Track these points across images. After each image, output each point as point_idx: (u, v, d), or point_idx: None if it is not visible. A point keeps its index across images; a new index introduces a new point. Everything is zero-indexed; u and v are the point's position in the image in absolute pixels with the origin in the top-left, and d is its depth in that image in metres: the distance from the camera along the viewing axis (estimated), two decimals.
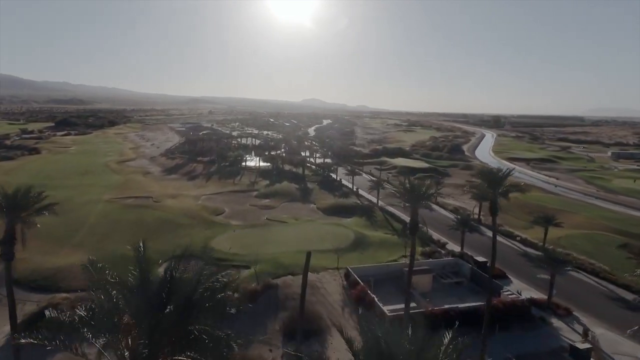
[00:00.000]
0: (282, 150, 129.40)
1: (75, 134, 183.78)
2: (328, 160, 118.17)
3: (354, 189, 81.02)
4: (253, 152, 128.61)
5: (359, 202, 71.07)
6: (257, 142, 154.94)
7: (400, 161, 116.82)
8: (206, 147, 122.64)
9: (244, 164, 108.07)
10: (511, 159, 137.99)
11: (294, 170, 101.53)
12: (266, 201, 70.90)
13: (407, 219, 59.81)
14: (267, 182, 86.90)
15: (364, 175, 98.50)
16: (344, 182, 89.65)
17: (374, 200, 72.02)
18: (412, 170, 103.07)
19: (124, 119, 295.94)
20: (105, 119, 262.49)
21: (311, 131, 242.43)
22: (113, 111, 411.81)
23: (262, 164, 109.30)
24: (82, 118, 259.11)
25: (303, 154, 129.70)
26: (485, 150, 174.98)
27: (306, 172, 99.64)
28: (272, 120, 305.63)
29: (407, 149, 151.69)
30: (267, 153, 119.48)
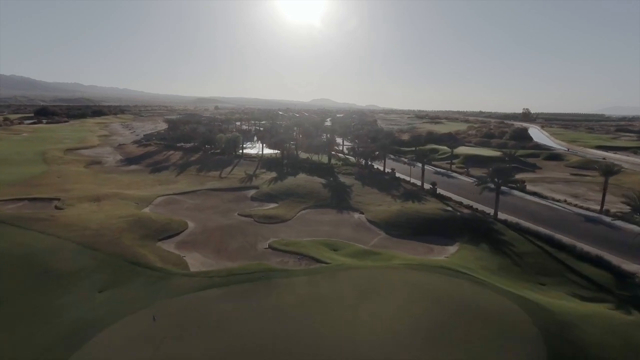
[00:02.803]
0: (296, 134, 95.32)
1: (47, 122, 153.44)
2: (361, 147, 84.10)
3: (428, 187, 47.00)
4: (255, 137, 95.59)
5: (449, 208, 37.22)
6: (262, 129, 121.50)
7: (465, 149, 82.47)
8: (190, 130, 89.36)
9: (240, 151, 75.34)
10: (600, 148, 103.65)
11: (314, 159, 68.31)
12: (270, 207, 37.67)
13: (584, 245, 25.98)
14: (274, 174, 53.82)
15: (419, 165, 65.11)
16: (398, 174, 56.05)
17: (472, 203, 38.44)
18: (484, 160, 70.99)
19: (118, 111, 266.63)
20: (90, 108, 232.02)
21: (327, 122, 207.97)
22: (114, 107, 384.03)
23: (266, 151, 76.56)
24: (71, 109, 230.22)
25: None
26: (543, 139, 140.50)
27: (332, 161, 66.36)
28: (281, 112, 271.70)
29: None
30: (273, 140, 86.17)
